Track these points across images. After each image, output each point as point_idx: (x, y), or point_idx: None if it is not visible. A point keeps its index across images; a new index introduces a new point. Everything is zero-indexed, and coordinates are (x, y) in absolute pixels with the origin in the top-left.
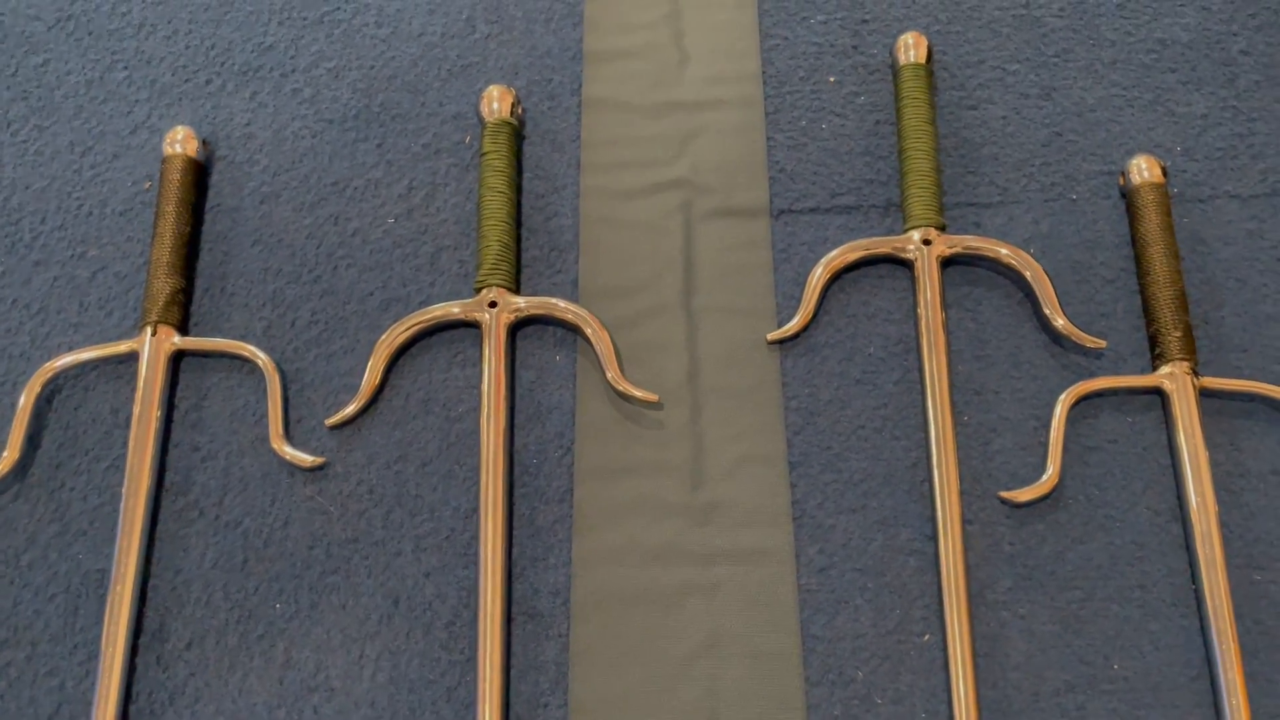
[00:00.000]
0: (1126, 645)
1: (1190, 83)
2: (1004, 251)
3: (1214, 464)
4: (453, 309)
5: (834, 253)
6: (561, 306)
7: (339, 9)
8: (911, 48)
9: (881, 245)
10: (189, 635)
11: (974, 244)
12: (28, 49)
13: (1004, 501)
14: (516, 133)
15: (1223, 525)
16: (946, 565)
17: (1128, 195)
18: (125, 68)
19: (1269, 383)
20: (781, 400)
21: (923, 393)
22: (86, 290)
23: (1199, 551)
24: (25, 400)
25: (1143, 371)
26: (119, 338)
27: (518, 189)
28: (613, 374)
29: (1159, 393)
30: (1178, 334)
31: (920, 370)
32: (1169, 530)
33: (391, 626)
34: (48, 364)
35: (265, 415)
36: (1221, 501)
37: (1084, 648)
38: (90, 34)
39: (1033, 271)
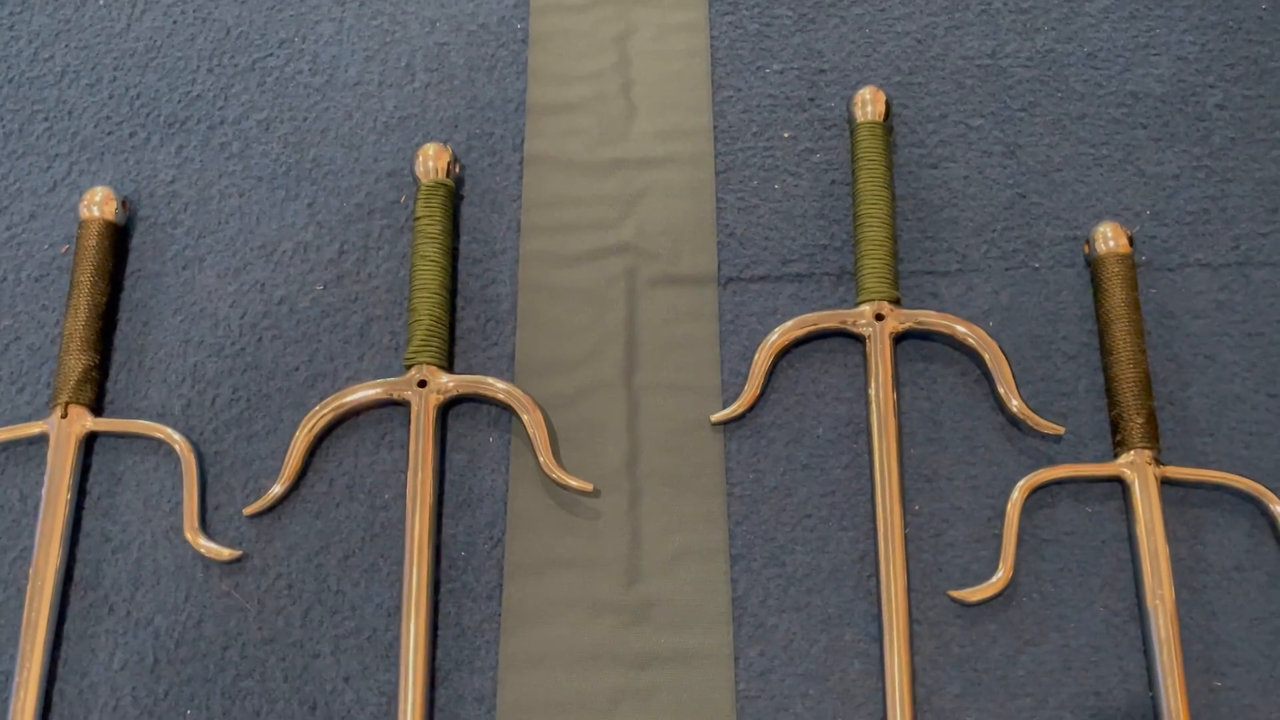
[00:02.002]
0: None
1: (1162, 140)
2: (960, 329)
3: (1175, 559)
4: (378, 389)
5: (781, 328)
6: (494, 386)
7: (271, 54)
8: (869, 104)
9: (831, 320)
10: None
11: (929, 319)
12: None
13: (954, 600)
14: (453, 194)
15: (1183, 626)
16: (892, 669)
17: (1092, 265)
18: (45, 119)
19: (1236, 468)
20: (725, 487)
21: (872, 480)
22: None
23: (1157, 656)
24: None
25: (1104, 456)
26: (31, 416)
27: (453, 255)
28: (546, 460)
29: (1119, 481)
30: (1140, 420)
31: (870, 455)
32: (1126, 631)
33: None
34: None
35: (181, 503)
36: (1182, 600)
37: None
38: (10, 81)
39: (989, 351)
